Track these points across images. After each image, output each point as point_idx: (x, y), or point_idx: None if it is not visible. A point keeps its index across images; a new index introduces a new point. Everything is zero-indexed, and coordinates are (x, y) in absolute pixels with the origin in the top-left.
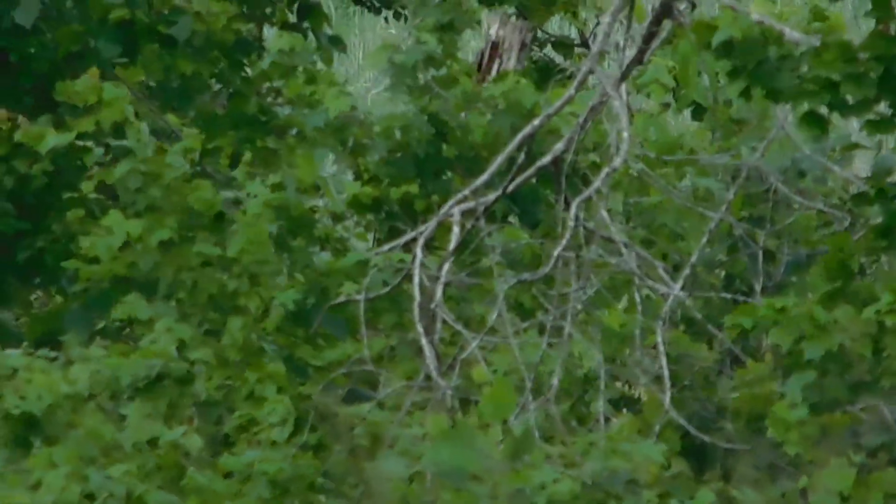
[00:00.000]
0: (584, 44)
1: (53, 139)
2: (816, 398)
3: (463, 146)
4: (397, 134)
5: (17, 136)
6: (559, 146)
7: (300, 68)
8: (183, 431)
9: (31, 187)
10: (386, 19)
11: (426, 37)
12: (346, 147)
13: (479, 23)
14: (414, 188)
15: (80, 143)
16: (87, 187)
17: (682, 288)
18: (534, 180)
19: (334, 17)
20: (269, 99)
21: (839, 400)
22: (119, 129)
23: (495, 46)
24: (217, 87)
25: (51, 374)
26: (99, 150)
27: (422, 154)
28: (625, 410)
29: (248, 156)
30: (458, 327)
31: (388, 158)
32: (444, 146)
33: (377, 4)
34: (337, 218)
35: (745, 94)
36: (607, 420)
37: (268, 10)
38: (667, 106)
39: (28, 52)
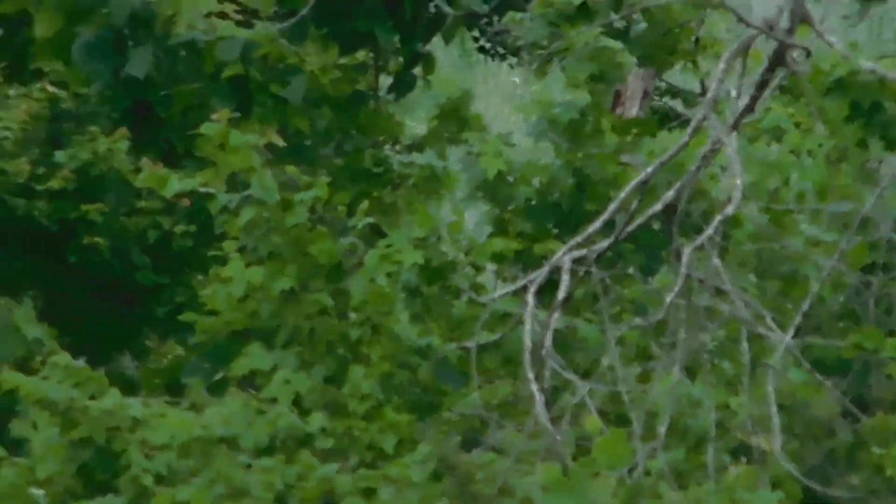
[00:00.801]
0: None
1: (177, 184)
2: None
3: (604, 200)
4: (536, 182)
5: (141, 180)
6: (670, 194)
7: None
8: (337, 468)
9: (173, 243)
10: (511, 66)
11: (579, 91)
12: (496, 203)
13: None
14: (557, 245)
15: (205, 189)
16: (229, 246)
17: (795, 336)
18: (655, 227)
19: (458, 65)
20: (388, 147)
21: None
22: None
23: (618, 94)
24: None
25: (183, 415)
26: (225, 197)
27: (565, 207)
28: (743, 459)
29: (364, 204)
30: (568, 375)
31: (527, 207)
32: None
33: (502, 52)
34: (475, 268)
35: (862, 144)
36: (724, 469)
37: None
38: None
39: (171, 106)
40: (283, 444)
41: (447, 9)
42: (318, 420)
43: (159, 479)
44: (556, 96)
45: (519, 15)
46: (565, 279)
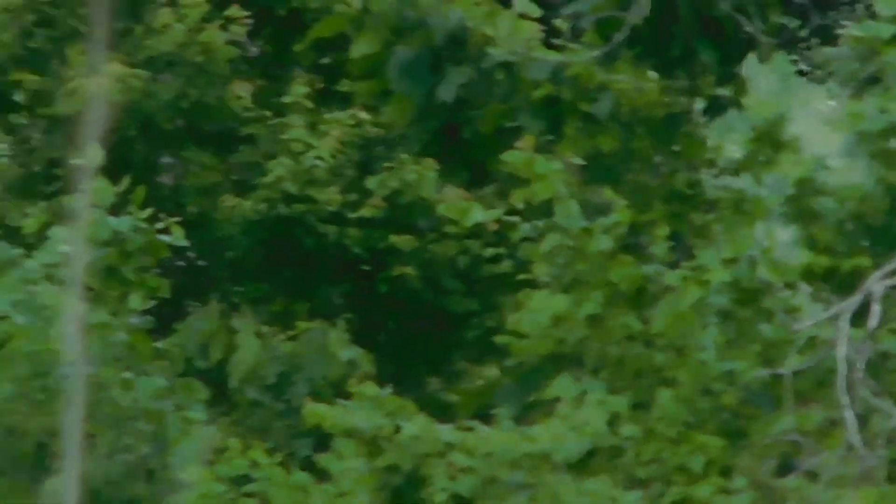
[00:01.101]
0: None
1: (479, 214)
2: None
3: None
4: (850, 203)
5: (443, 210)
6: None
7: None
8: (640, 496)
9: (482, 268)
10: (829, 91)
11: (891, 105)
12: (800, 216)
13: None
14: (866, 261)
15: (508, 218)
16: (538, 270)
17: None
18: None
19: (776, 88)
20: (705, 170)
21: None
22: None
23: None
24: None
25: (505, 435)
26: (527, 227)
27: (877, 226)
28: None
29: (663, 229)
30: (879, 402)
31: (841, 227)
32: None
33: (820, 76)
34: (788, 287)
35: None
36: None
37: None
38: None
39: (478, 127)
40: (594, 457)
41: (759, 31)
42: (629, 430)
43: (461, 502)
44: (870, 116)
45: (830, 49)
46: (876, 308)
